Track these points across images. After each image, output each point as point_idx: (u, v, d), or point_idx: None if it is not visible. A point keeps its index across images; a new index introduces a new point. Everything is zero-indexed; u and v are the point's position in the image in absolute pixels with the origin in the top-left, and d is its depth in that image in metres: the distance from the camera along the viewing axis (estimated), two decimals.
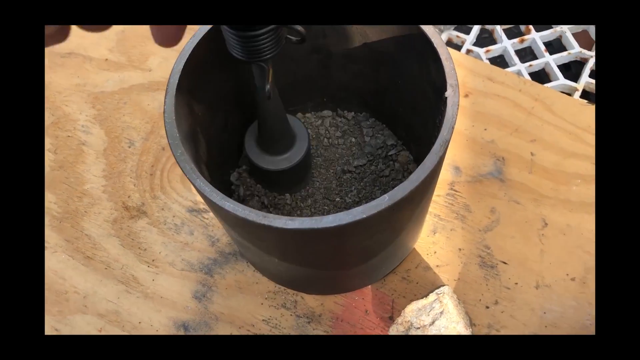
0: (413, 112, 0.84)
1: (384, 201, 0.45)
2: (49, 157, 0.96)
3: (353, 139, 1.01)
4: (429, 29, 0.57)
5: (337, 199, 0.95)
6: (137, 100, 1.12)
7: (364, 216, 0.44)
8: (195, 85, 0.65)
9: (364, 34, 0.77)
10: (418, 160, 0.95)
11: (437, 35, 0.56)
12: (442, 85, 0.55)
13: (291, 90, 0.92)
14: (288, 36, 0.54)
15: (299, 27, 0.51)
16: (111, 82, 1.12)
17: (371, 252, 0.58)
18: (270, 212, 0.92)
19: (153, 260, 0.95)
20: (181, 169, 0.61)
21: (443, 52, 0.55)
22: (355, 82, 0.92)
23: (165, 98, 0.60)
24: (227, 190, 0.94)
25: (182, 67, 0.66)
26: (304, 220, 0.45)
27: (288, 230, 0.45)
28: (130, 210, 1.00)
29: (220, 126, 0.85)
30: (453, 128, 0.50)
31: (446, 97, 0.51)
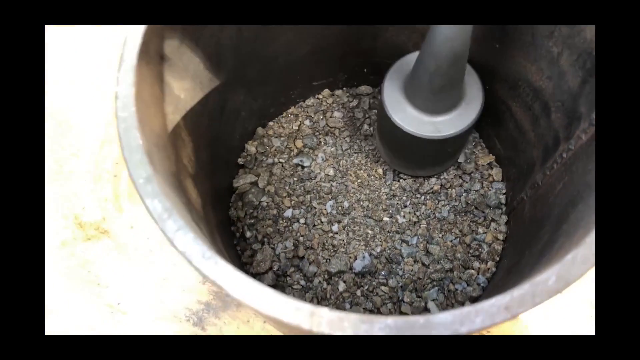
0: (509, 90, 0.55)
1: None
2: None
3: None
4: None
5: (386, 219, 0.65)
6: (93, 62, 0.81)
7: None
8: (173, 47, 0.43)
9: None
10: (503, 161, 0.65)
11: None
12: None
13: (314, 57, 0.62)
14: None
15: None
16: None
17: None
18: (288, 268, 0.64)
19: (118, 304, 0.67)
20: (151, 214, 0.32)
21: None
22: (417, 46, 0.62)
23: (118, 73, 0.37)
24: (226, 226, 0.63)
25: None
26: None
27: None
28: (85, 229, 0.70)
29: (214, 111, 0.54)
30: None
31: None
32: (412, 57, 0.55)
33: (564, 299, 0.64)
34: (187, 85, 0.47)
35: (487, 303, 0.32)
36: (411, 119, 0.54)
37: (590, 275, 0.62)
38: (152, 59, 0.39)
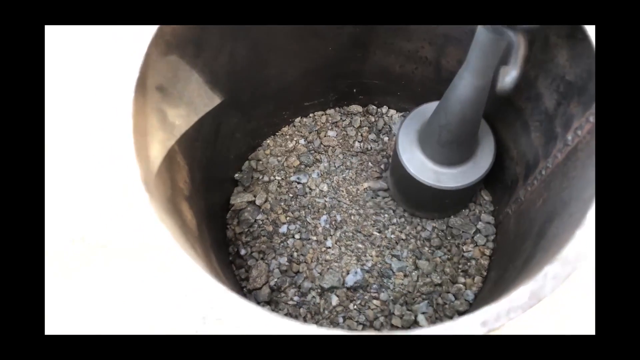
0: (492, 109, 0.57)
1: None
2: None
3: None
4: None
5: (375, 233, 0.67)
6: None
7: None
8: (168, 77, 0.46)
9: None
10: (488, 176, 0.67)
11: None
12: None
13: (305, 79, 0.64)
14: None
15: None
16: None
17: None
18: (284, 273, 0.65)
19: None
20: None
21: None
22: (402, 67, 0.64)
23: (115, 106, 0.40)
24: (221, 244, 0.65)
25: (145, 52, 0.39)
26: None
27: None
28: (76, 244, 0.72)
29: (209, 134, 0.56)
30: None
31: None
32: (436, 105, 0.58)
33: (564, 299, 0.66)
34: (181, 112, 0.49)
35: (464, 319, 0.34)
36: (416, 162, 0.57)
37: (590, 274, 0.60)
38: (148, 90, 0.42)
